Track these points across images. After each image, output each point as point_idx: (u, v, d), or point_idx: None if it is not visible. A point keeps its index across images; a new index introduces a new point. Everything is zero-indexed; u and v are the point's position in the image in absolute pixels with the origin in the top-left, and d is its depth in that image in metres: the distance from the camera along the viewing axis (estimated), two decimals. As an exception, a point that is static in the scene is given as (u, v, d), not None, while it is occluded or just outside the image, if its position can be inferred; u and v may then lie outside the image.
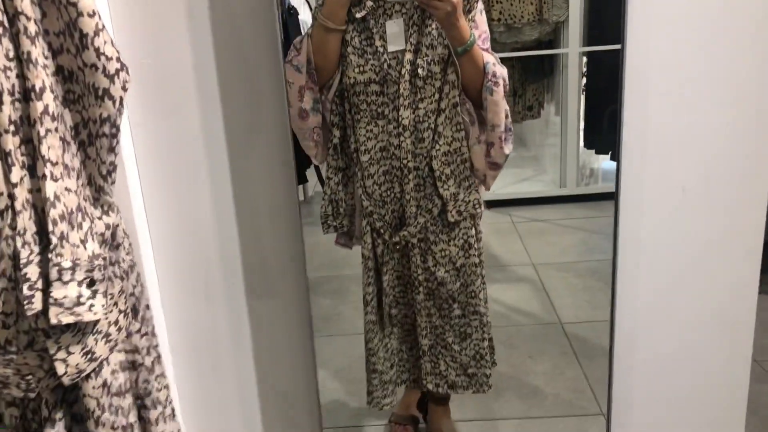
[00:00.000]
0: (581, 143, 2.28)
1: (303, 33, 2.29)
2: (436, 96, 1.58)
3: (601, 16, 2.11)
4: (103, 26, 1.04)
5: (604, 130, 2.07)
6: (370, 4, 1.53)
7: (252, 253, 1.67)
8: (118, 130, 1.09)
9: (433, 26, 1.55)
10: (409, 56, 1.55)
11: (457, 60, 1.55)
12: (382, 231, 1.68)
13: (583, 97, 2.21)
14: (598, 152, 2.32)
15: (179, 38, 1.45)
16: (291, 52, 1.57)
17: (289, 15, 2.21)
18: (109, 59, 1.05)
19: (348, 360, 2.21)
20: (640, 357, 1.82)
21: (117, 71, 1.06)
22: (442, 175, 1.63)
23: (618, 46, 1.59)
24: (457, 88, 1.58)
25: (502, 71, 1.59)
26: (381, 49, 1.55)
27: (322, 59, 1.57)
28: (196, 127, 1.52)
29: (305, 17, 2.24)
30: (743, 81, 1.60)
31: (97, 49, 1.04)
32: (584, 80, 2.18)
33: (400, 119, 1.58)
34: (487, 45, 1.61)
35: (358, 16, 1.54)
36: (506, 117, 1.60)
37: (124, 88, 1.07)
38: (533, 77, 2.25)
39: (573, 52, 2.15)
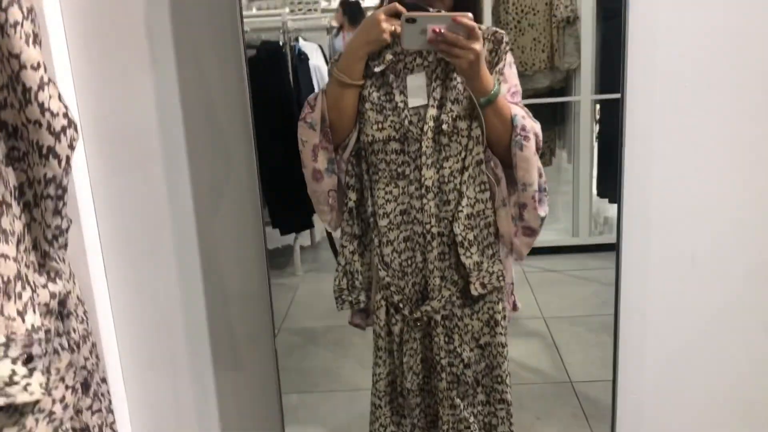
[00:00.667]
0: (594, 191, 2.19)
1: (313, 78, 2.20)
2: (462, 154, 1.42)
3: (613, 64, 2.04)
4: (50, 80, 0.93)
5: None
6: (389, 57, 1.39)
7: (219, 322, 1.55)
8: (64, 191, 0.98)
9: (458, 80, 1.40)
10: (432, 112, 1.40)
11: (481, 112, 1.39)
12: (401, 306, 1.49)
13: (596, 145, 2.13)
14: (611, 201, 2.21)
15: (144, 91, 1.35)
16: (305, 108, 1.43)
17: (300, 61, 2.12)
18: (54, 115, 0.94)
19: (347, 417, 2.09)
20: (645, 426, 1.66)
21: (63, 128, 0.95)
22: (465, 240, 1.44)
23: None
24: (482, 144, 1.42)
25: (534, 125, 1.42)
26: (401, 105, 1.40)
27: (337, 116, 1.42)
28: (161, 186, 1.42)
29: (317, 63, 2.15)
30: (755, 143, 1.48)
31: (41, 105, 0.92)
32: (597, 127, 2.10)
33: (422, 180, 1.42)
34: (518, 99, 1.46)
35: (376, 70, 1.40)
36: (540, 175, 1.43)
37: (72, 147, 0.95)
38: (545, 124, 2.13)
39: (585, 99, 2.08)
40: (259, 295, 1.51)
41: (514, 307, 1.61)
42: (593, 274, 2.34)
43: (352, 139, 1.45)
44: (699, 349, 1.63)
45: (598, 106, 2.09)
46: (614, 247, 2.14)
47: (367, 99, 1.41)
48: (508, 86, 1.43)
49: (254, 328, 1.55)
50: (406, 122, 1.40)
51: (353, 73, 1.39)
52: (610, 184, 2.18)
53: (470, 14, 1.29)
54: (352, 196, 1.49)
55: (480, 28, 1.29)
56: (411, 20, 1.28)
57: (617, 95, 1.92)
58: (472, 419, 1.55)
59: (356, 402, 2.01)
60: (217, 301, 1.52)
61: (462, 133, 1.40)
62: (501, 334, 1.51)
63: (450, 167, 1.42)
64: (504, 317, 1.52)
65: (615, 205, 2.26)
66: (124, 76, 1.35)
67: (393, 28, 1.34)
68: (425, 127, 1.39)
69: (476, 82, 1.34)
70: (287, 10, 2.31)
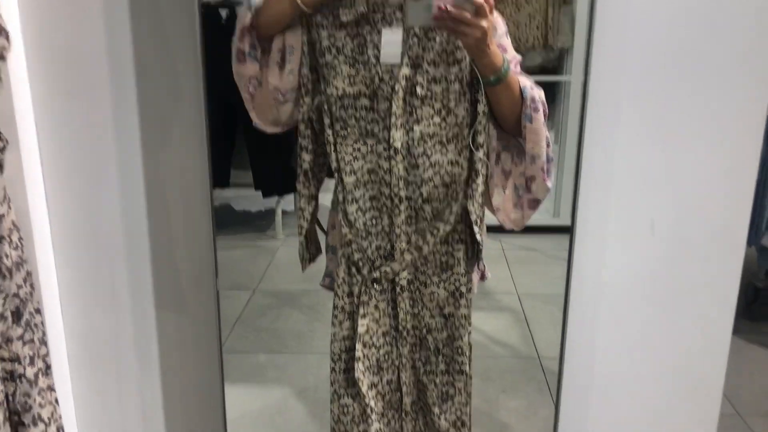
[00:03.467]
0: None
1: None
2: (435, 119, 1.30)
3: (606, 45, 1.99)
4: (-21, -18, 0.83)
5: (603, 162, 1.93)
6: (361, 9, 1.25)
7: (163, 260, 1.47)
8: (-7, 103, 0.88)
9: (437, 40, 1.27)
10: (405, 71, 1.26)
11: (490, 91, 1.27)
12: (360, 265, 1.37)
13: (584, 126, 2.08)
14: (594, 184, 2.17)
15: (93, 14, 1.25)
16: None
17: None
18: (-18, 20, 0.83)
19: (315, 380, 2.03)
20: (592, 409, 1.65)
21: (-7, 35, 0.84)
22: (478, 219, 1.33)
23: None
24: (486, 132, 1.31)
25: (540, 94, 1.29)
26: (373, 60, 1.28)
27: (266, 19, 1.28)
28: (107, 112, 1.32)
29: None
30: (721, 114, 1.46)
31: (-33, 7, 0.82)
32: (587, 109, 2.06)
33: (391, 141, 1.30)
34: (519, 68, 1.33)
35: (344, 19, 1.26)
36: (548, 145, 1.30)
37: (1, 56, 0.85)
38: (534, 104, 2.08)
39: (576, 80, 1.99)
40: (203, 237, 1.41)
41: (482, 277, 1.51)
42: (570, 255, 2.28)
43: (306, 102, 1.33)
44: (655, 320, 1.58)
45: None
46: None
47: (341, 51, 1.28)
48: (509, 57, 1.30)
49: (198, 270, 1.45)
50: (377, 79, 1.28)
51: (308, 2, 1.25)
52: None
53: None
54: (306, 157, 1.36)
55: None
56: None
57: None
58: (431, 386, 1.45)
59: (325, 366, 1.92)
60: (162, 238, 1.43)
61: (436, 97, 1.29)
62: (465, 306, 1.40)
63: (421, 131, 1.29)
64: (469, 290, 1.42)
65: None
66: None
67: None
68: (396, 86, 1.27)
69: (485, 59, 1.21)
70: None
